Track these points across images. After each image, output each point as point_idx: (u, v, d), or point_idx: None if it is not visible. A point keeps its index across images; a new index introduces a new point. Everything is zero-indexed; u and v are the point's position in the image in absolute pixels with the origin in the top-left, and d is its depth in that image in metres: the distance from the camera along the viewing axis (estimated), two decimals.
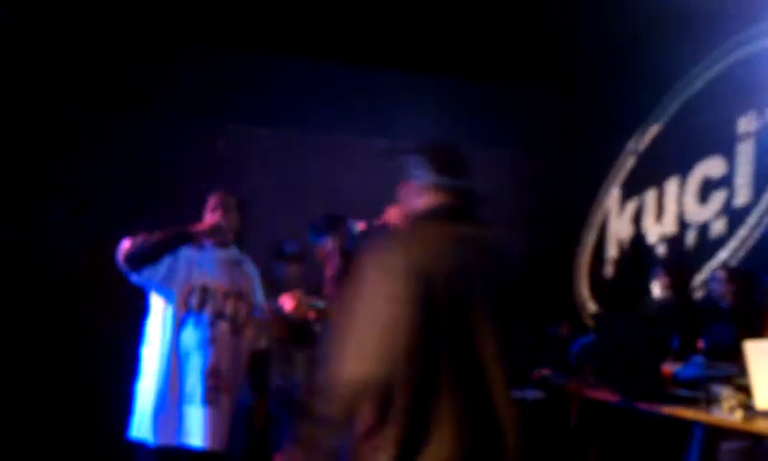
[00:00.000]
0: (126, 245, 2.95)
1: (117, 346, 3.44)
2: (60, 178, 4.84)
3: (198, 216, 3.22)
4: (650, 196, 5.84)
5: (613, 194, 6.29)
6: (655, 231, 5.76)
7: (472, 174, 2.09)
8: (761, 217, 4.78)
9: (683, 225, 5.50)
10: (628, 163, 6.17)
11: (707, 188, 5.29)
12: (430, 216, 2.00)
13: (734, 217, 4.98)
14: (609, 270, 6.28)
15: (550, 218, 6.37)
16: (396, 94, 5.80)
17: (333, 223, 3.25)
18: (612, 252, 6.27)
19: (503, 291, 1.98)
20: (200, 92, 5.25)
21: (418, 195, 2.05)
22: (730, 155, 5.08)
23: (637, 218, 5.97)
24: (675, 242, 5.55)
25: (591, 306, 6.33)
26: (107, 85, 5.00)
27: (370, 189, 5.49)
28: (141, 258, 2.93)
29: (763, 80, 4.89)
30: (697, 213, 5.37)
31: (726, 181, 5.13)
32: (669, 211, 5.60)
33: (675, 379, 3.85)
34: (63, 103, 4.91)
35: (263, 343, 3.37)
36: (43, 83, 4.86)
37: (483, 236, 2.01)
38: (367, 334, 1.75)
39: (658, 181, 5.74)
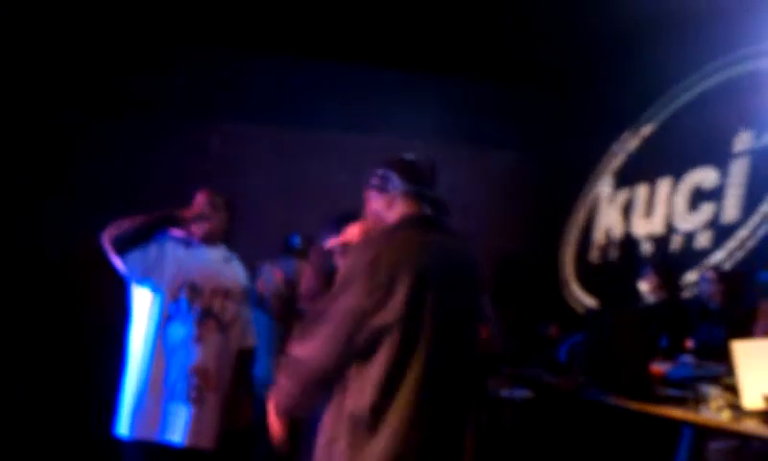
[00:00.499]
0: (112, 228, 2.95)
1: (108, 343, 3.44)
2: (53, 177, 4.82)
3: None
4: (641, 191, 5.85)
5: (606, 181, 6.29)
6: (643, 228, 5.78)
7: (439, 183, 2.27)
8: (746, 238, 4.81)
9: (670, 228, 5.52)
10: (622, 155, 6.18)
11: (697, 197, 5.30)
12: (404, 225, 2.15)
13: (720, 233, 5.00)
14: (594, 255, 6.30)
15: (542, 219, 6.39)
16: (392, 93, 5.81)
17: (341, 222, 3.25)
18: (599, 237, 6.27)
19: (468, 296, 2.16)
20: (195, 92, 5.24)
21: (390, 206, 2.22)
22: (723, 169, 5.08)
23: (627, 210, 5.98)
24: (661, 243, 5.58)
25: (575, 288, 6.36)
26: (102, 86, 4.99)
27: (362, 187, 5.55)
28: (127, 240, 2.93)
29: (763, 100, 4.87)
30: (685, 220, 5.39)
31: (716, 195, 5.14)
32: (658, 212, 5.63)
33: (666, 379, 3.87)
34: (58, 103, 4.89)
35: (250, 341, 3.37)
36: (38, 83, 4.84)
37: (451, 243, 2.17)
38: (335, 331, 1.97)
39: (650, 178, 5.74)
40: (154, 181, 4.93)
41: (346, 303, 1.97)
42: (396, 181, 2.23)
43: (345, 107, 5.66)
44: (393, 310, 1.94)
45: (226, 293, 3.15)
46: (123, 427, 3.01)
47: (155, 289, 3.05)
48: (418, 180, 2.23)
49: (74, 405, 4.48)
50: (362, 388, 1.96)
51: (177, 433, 2.98)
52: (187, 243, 3.15)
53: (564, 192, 6.55)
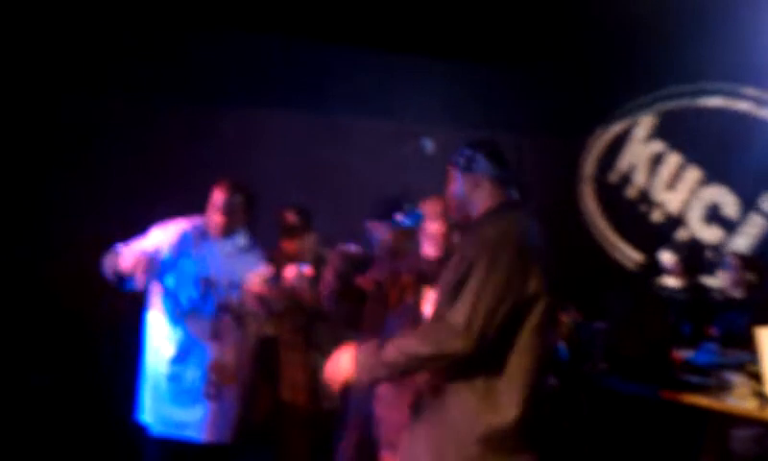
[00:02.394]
0: (104, 266, 2.91)
1: (126, 331, 3.42)
2: (66, 166, 4.77)
3: (206, 202, 3.19)
4: (673, 159, 5.59)
5: (650, 116, 5.86)
6: (661, 194, 5.62)
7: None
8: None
9: (682, 217, 5.41)
10: (674, 103, 5.71)
11: (713, 215, 5.21)
12: (505, 210, 2.19)
13: (719, 266, 4.82)
14: (614, 177, 6.06)
15: (564, 204, 6.29)
16: (407, 77, 5.74)
17: (388, 207, 3.15)
18: (622, 165, 6.01)
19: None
20: (207, 76, 5.19)
21: (476, 187, 2.22)
22: (746, 210, 4.98)
23: (654, 165, 5.72)
24: (671, 223, 5.48)
25: (587, 192, 6.24)
26: (110, 71, 4.92)
27: (379, 172, 5.49)
28: (119, 282, 2.91)
29: None
30: (696, 224, 5.30)
31: (729, 228, 5.07)
32: (680, 194, 5.48)
33: (688, 366, 3.82)
34: (65, 89, 4.83)
35: (270, 329, 3.33)
36: (44, 68, 4.79)
37: (535, 227, 2.21)
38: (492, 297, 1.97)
39: (687, 154, 5.48)
40: (166, 167, 4.88)
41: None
42: (482, 163, 2.23)
43: (358, 91, 5.58)
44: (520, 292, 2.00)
45: (243, 285, 3.10)
46: (148, 422, 3.02)
47: (170, 287, 3.02)
48: (504, 163, 2.25)
49: (97, 394, 4.46)
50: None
51: (196, 430, 2.98)
52: (203, 236, 3.10)
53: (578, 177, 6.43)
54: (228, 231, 3.11)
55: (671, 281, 4.84)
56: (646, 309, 4.30)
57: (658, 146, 5.78)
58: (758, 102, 5.02)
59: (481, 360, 1.99)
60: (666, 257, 4.94)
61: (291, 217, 3.45)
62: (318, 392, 3.28)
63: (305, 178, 5.20)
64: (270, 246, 3.36)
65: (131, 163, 4.85)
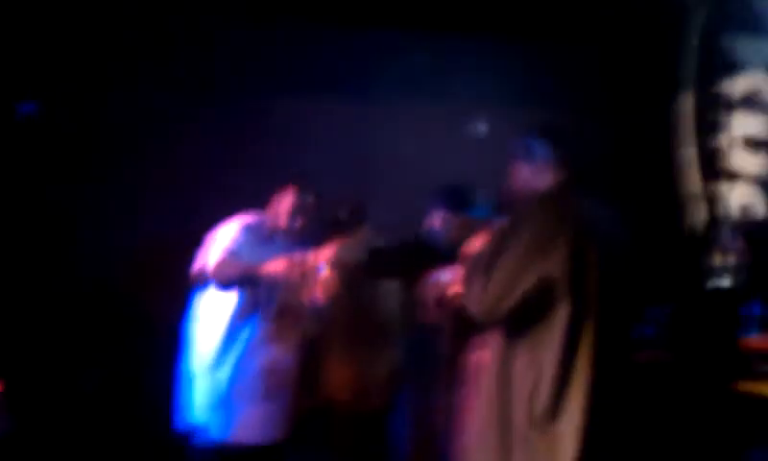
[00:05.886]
0: (215, 270, 2.95)
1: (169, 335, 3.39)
2: (117, 166, 4.80)
3: (253, 195, 3.17)
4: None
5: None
6: (739, 134, 4.87)
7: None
8: None
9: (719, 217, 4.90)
10: None
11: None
12: (559, 192, 2.14)
13: None
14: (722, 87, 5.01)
15: (622, 187, 6.04)
16: (456, 58, 5.61)
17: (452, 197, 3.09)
18: (740, 84, 4.94)
19: None
20: (251, 67, 5.16)
21: (539, 174, 2.19)
22: None
23: (747, 101, 4.89)
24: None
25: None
26: (152, 66, 4.92)
27: (430, 158, 5.39)
28: (228, 287, 2.97)
29: None
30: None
31: None
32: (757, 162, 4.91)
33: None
34: (107, 86, 4.85)
35: (312, 329, 3.32)
36: (85, 63, 4.80)
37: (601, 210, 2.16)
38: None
39: None
40: (215, 163, 4.88)
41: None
42: (542, 149, 2.22)
43: (405, 75, 5.48)
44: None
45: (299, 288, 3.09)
46: (202, 426, 3.02)
47: (237, 291, 3.02)
48: (564, 145, 2.24)
49: (143, 400, 4.47)
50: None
51: (254, 433, 2.99)
52: (265, 236, 3.09)
53: (646, 157, 6.09)
54: (302, 233, 3.11)
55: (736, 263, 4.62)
56: (713, 294, 4.09)
57: (755, 83, 4.89)
58: None
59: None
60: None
61: (342, 211, 3.44)
62: (366, 390, 3.24)
63: (357, 166, 5.15)
64: (320, 240, 3.32)
65: (175, 160, 4.86)
